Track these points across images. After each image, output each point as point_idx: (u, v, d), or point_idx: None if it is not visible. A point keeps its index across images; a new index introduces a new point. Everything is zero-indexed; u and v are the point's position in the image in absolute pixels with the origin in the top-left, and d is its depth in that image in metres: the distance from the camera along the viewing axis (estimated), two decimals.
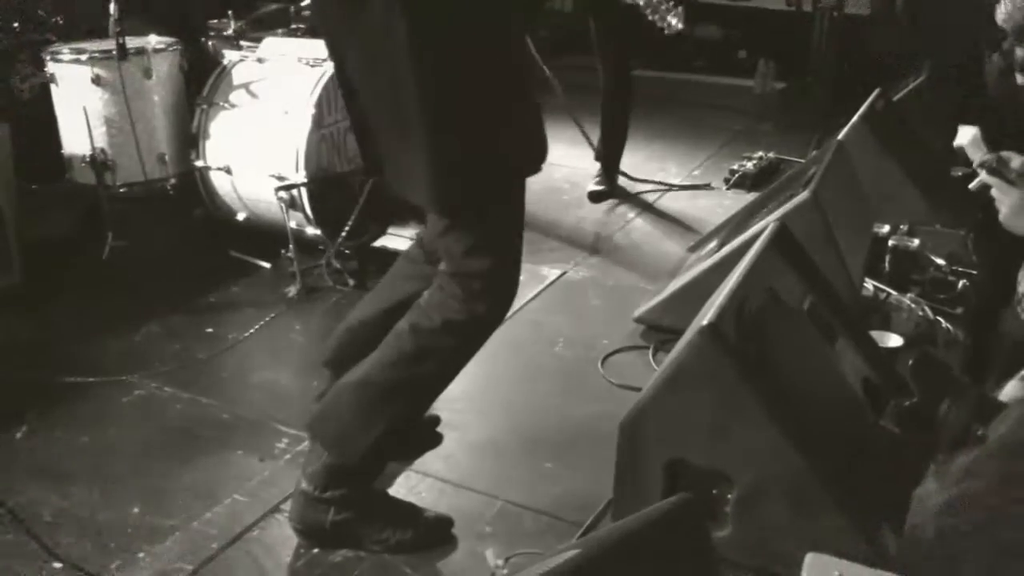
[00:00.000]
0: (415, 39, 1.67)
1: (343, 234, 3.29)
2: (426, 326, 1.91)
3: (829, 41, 5.94)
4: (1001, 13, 3.04)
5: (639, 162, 4.79)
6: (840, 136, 3.36)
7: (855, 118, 3.54)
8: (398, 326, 1.97)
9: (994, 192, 2.41)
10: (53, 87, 3.40)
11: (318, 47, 3.45)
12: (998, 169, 2.46)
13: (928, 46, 5.16)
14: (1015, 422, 1.58)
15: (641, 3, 3.42)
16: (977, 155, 3.45)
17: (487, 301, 1.89)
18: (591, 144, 4.44)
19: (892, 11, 6.63)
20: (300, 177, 3.25)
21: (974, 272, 3.20)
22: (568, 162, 4.47)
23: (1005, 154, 2.60)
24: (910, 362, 1.95)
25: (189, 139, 3.46)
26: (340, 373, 2.08)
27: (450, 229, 1.85)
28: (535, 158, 1.89)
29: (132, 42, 3.35)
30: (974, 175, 2.55)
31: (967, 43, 5.25)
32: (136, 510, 2.15)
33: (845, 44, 5.92)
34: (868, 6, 6.33)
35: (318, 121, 3.29)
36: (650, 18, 3.46)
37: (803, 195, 2.71)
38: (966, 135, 3.46)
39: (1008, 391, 2.05)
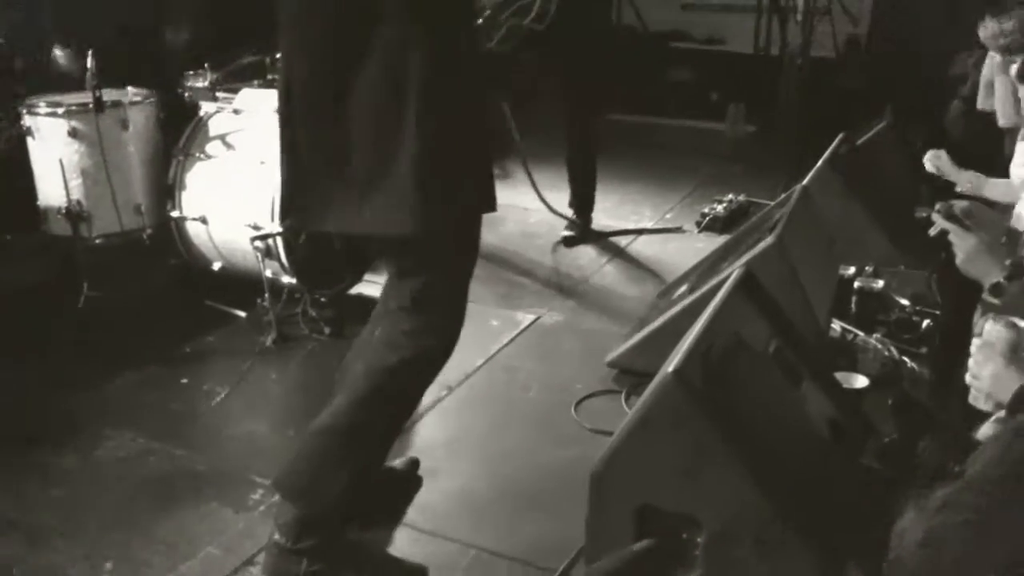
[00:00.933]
0: (426, 74, 1.80)
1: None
2: (379, 365, 1.97)
3: (797, 85, 6.08)
4: (989, 30, 3.12)
5: (613, 206, 4.86)
6: (805, 181, 3.45)
7: (820, 163, 3.64)
8: (354, 369, 2.02)
9: (951, 237, 2.48)
10: (29, 139, 3.43)
11: None
12: (954, 214, 2.53)
13: (890, 90, 5.30)
14: (991, 458, 1.63)
15: None
16: (946, 168, 3.55)
17: (438, 335, 1.99)
18: (543, 200, 4.45)
19: (856, 55, 6.81)
20: (275, 226, 3.28)
21: (937, 312, 3.27)
22: (542, 208, 4.53)
23: (956, 203, 2.68)
24: (890, 401, 2.01)
25: (165, 190, 3.49)
26: None
27: (413, 262, 1.95)
28: (492, 200, 2.02)
29: (109, 95, 3.38)
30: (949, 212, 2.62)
31: (928, 87, 5.41)
32: (109, 565, 2.14)
33: (812, 87, 6.06)
34: (832, 49, 6.49)
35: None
36: None
37: (768, 241, 2.77)
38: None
39: (984, 430, 2.09)
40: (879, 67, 6.26)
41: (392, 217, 1.87)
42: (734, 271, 2.40)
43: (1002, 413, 1.89)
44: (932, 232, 2.56)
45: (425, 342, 1.97)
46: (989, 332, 1.98)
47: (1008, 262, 2.44)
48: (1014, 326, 1.96)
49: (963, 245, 2.46)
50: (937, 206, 2.60)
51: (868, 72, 6.39)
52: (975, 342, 2.00)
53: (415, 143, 1.83)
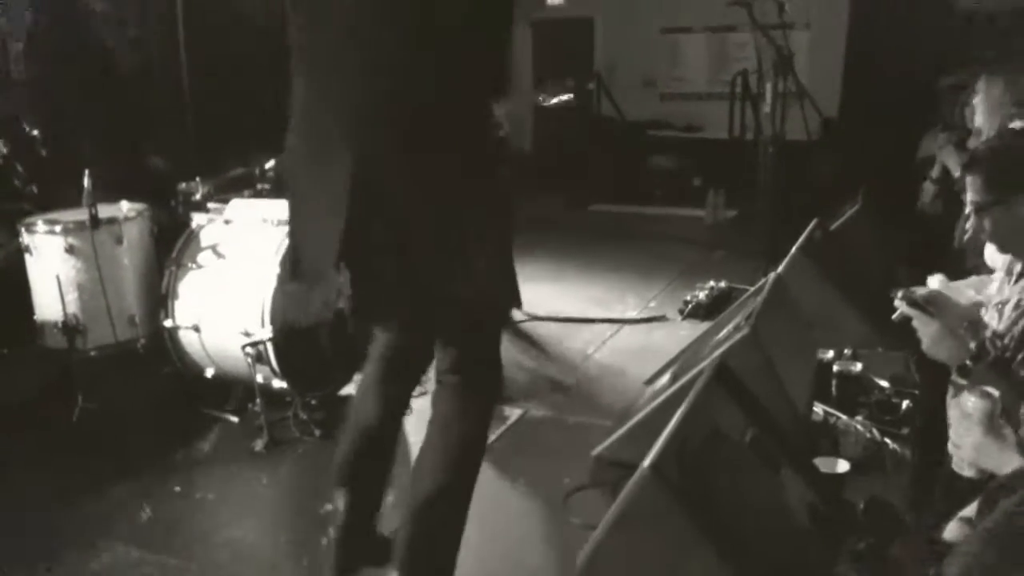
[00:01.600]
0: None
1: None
2: (471, 430, 2.26)
3: (773, 169, 6.25)
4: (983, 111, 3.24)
5: (598, 295, 4.97)
6: (779, 269, 3.55)
7: (793, 250, 3.75)
8: (441, 441, 2.25)
9: (914, 323, 2.57)
10: (27, 256, 3.53)
11: (281, 207, 3.64)
12: (915, 301, 2.63)
13: (863, 173, 5.47)
14: (963, 564, 1.67)
15: None
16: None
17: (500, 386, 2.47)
18: None
19: (829, 139, 7.03)
20: (266, 332, 3.37)
21: (917, 393, 3.33)
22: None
23: (918, 289, 2.78)
24: (861, 506, 2.07)
25: (159, 300, 3.59)
26: (358, 487, 2.28)
27: (486, 335, 2.32)
28: None
29: (104, 211, 3.50)
30: (911, 299, 2.71)
31: (899, 169, 5.59)
32: None
33: (788, 171, 6.23)
34: (804, 132, 6.70)
35: (282, 278, 3.43)
36: None
37: (742, 332, 2.85)
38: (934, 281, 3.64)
39: (952, 530, 2.14)
40: (851, 150, 6.45)
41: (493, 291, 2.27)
42: (709, 363, 2.48)
43: (970, 509, 1.95)
44: (894, 318, 2.64)
45: (498, 393, 2.42)
46: (966, 403, 2.06)
47: (973, 344, 2.52)
48: (989, 395, 2.04)
49: (926, 331, 2.54)
50: (900, 292, 2.70)
51: (841, 155, 6.58)
52: (953, 413, 2.08)
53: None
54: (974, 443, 2.01)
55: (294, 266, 2.28)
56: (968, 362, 2.44)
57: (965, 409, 2.07)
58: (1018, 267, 2.56)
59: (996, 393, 2.05)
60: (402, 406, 2.43)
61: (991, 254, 3.29)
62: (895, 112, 6.13)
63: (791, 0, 5.65)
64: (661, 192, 8.01)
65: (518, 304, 2.23)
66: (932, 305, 2.60)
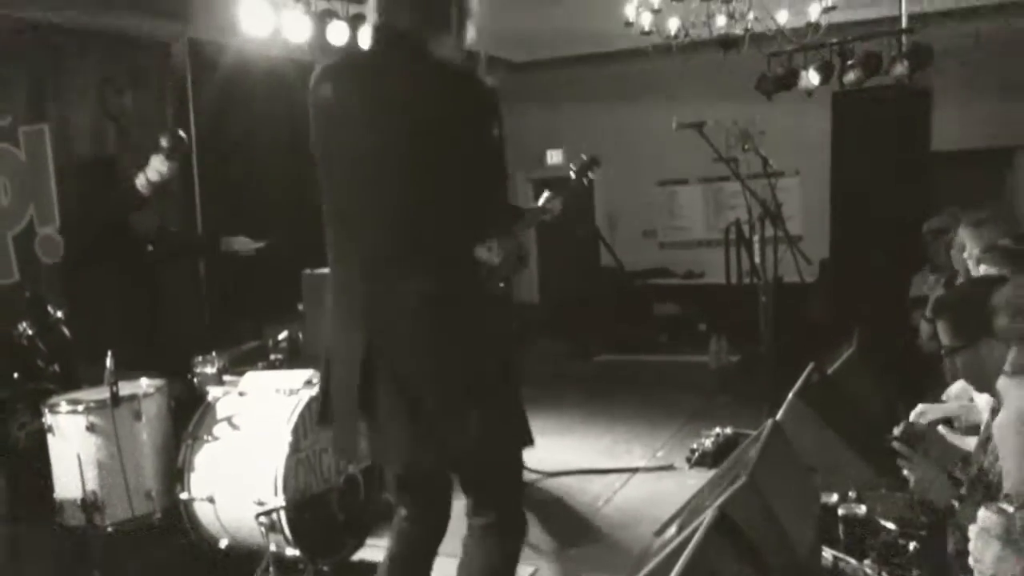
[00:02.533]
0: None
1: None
2: (498, 571, 2.41)
3: (772, 313, 6.41)
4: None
5: (606, 446, 5.04)
6: (777, 415, 3.64)
7: (790, 396, 3.85)
8: None
9: (904, 465, 2.65)
10: (50, 435, 3.66)
11: (294, 377, 3.81)
12: (908, 442, 2.72)
13: (855, 315, 5.63)
14: None
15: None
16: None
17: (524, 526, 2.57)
18: None
19: (823, 282, 7.24)
20: (279, 500, 3.45)
21: (923, 533, 3.35)
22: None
23: (914, 427, 2.87)
24: None
25: (175, 474, 3.69)
26: None
27: (503, 477, 2.49)
28: None
29: (124, 387, 3.65)
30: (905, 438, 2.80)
31: (892, 308, 5.75)
32: None
33: (787, 314, 6.39)
34: (796, 274, 6.91)
35: (295, 446, 3.55)
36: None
37: (741, 481, 2.93)
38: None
39: None
40: (844, 291, 6.64)
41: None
42: (710, 512, 2.55)
43: None
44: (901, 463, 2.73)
45: (524, 528, 2.54)
46: (983, 519, 2.13)
47: (963, 488, 2.60)
48: (1003, 511, 2.11)
49: (916, 472, 2.63)
50: (896, 430, 2.80)
51: (835, 296, 6.76)
52: (972, 529, 2.15)
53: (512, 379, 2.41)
54: (993, 556, 2.07)
55: (322, 412, 2.50)
56: (955, 502, 2.52)
57: (983, 524, 2.14)
58: (992, 403, 2.67)
59: (1011, 508, 2.12)
60: None
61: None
62: (884, 252, 6.34)
63: (776, 152, 5.96)
64: (666, 339, 8.17)
65: (529, 441, 2.30)
66: (926, 443, 2.69)
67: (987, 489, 2.50)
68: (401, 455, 2.39)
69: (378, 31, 2.35)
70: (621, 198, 10.12)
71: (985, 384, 2.54)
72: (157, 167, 4.01)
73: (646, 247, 10.06)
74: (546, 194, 3.63)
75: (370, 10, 2.36)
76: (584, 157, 3.84)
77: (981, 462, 2.67)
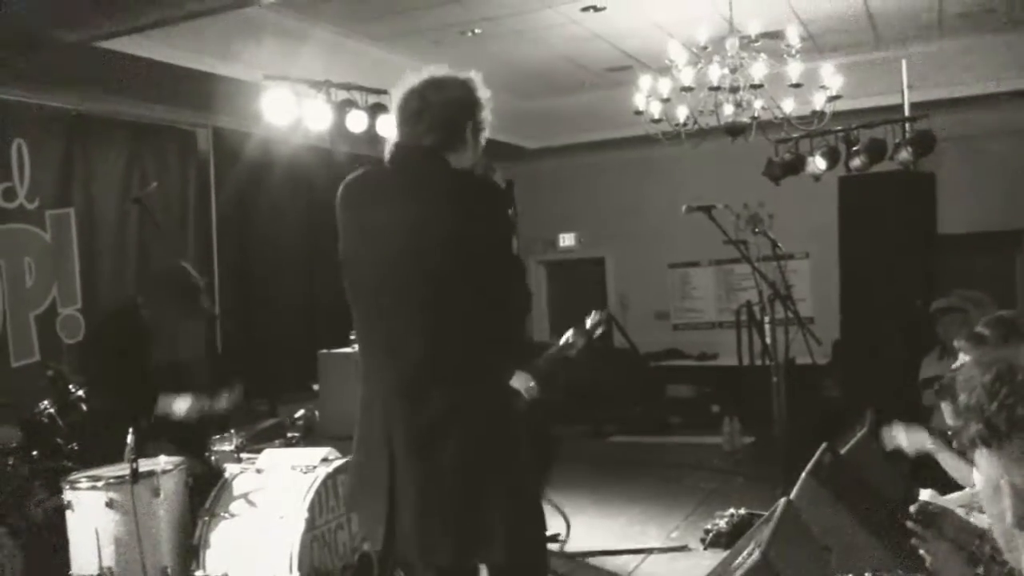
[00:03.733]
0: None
1: None
2: None
3: (785, 394, 6.43)
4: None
5: (620, 527, 5.01)
6: (791, 495, 3.65)
7: (803, 475, 3.86)
8: None
9: (917, 544, 2.66)
10: (68, 512, 3.69)
11: (311, 455, 3.85)
12: (925, 523, 2.73)
13: (867, 393, 5.64)
14: None
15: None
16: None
17: None
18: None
19: (834, 362, 7.27)
20: None
21: None
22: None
23: (929, 507, 2.88)
24: None
25: (191, 551, 3.71)
26: None
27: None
28: None
29: (143, 464, 3.69)
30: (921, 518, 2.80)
31: (905, 392, 5.75)
32: None
33: (799, 395, 6.40)
34: (808, 356, 6.95)
35: (311, 523, 3.58)
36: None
37: (754, 558, 2.94)
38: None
39: None
40: (855, 372, 6.66)
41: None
42: None
43: None
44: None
45: None
46: None
47: (980, 568, 2.60)
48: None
49: (932, 550, 2.63)
50: (912, 508, 2.81)
51: (846, 378, 6.78)
52: None
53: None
54: None
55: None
56: None
57: None
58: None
59: None
60: None
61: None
62: (893, 334, 6.38)
63: (785, 235, 6.06)
64: (680, 420, 8.17)
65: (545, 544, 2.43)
66: (941, 521, 2.70)
67: (1001, 567, 2.50)
68: (423, 551, 2.44)
69: (399, 148, 2.51)
70: (633, 280, 10.25)
71: None
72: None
73: (659, 329, 10.13)
74: (570, 332, 3.82)
75: (392, 126, 2.55)
76: (598, 318, 4.02)
77: (995, 540, 2.67)
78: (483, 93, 2.51)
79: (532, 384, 2.53)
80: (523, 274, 2.58)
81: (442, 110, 2.44)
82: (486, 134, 2.55)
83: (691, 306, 10.16)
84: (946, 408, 2.63)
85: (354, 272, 2.50)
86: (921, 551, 2.68)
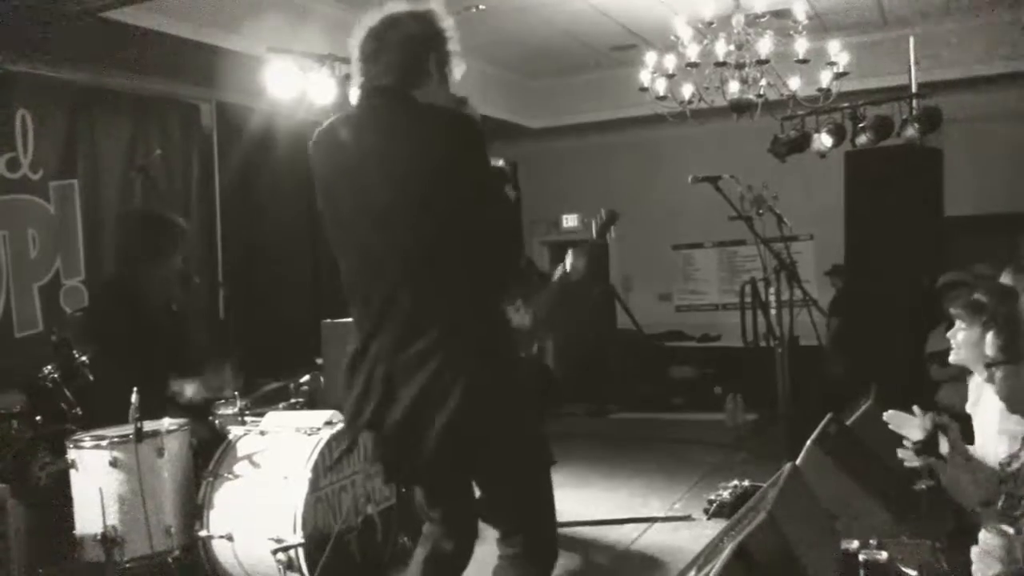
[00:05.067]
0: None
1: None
2: None
3: (788, 372, 6.42)
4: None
5: (622, 499, 5.01)
6: (796, 461, 3.65)
7: (808, 443, 3.85)
8: None
9: (934, 465, 2.64)
10: (72, 471, 3.69)
11: (315, 417, 3.85)
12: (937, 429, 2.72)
13: (872, 370, 5.63)
14: None
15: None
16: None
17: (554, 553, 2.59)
18: None
19: (839, 340, 7.24)
20: (297, 538, 3.46)
21: None
22: None
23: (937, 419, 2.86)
24: None
25: (195, 511, 3.71)
26: None
27: (525, 498, 2.52)
28: None
29: (147, 425, 3.70)
30: (937, 488, 2.79)
31: (910, 365, 5.74)
32: None
33: (803, 373, 6.38)
34: (814, 337, 6.93)
35: (314, 484, 3.57)
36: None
37: (761, 516, 2.93)
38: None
39: None
40: (860, 350, 6.63)
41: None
42: (730, 549, 2.55)
43: None
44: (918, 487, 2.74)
45: (544, 565, 2.55)
46: (985, 540, 2.13)
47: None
48: (1004, 533, 2.12)
49: (945, 472, 2.62)
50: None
51: (851, 356, 6.76)
52: (974, 551, 2.15)
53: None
54: None
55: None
56: (978, 508, 2.53)
57: (984, 546, 2.14)
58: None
59: (1011, 530, 2.13)
60: None
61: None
62: (899, 311, 6.37)
63: (790, 216, 6.03)
64: (682, 400, 8.16)
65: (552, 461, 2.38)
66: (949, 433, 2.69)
67: (1009, 498, 2.51)
68: (413, 471, 2.45)
69: (364, 90, 2.48)
70: (636, 261, 10.23)
71: (1018, 405, 2.58)
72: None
73: (662, 310, 10.12)
74: (570, 254, 3.74)
75: (354, 72, 2.50)
76: (603, 214, 3.95)
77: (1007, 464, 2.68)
78: (445, 24, 2.45)
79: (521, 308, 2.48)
80: (505, 202, 2.50)
81: (399, 47, 2.40)
82: (456, 65, 2.49)
83: (694, 288, 10.15)
84: (991, 340, 2.61)
85: (335, 221, 2.47)
86: (936, 470, 2.64)
